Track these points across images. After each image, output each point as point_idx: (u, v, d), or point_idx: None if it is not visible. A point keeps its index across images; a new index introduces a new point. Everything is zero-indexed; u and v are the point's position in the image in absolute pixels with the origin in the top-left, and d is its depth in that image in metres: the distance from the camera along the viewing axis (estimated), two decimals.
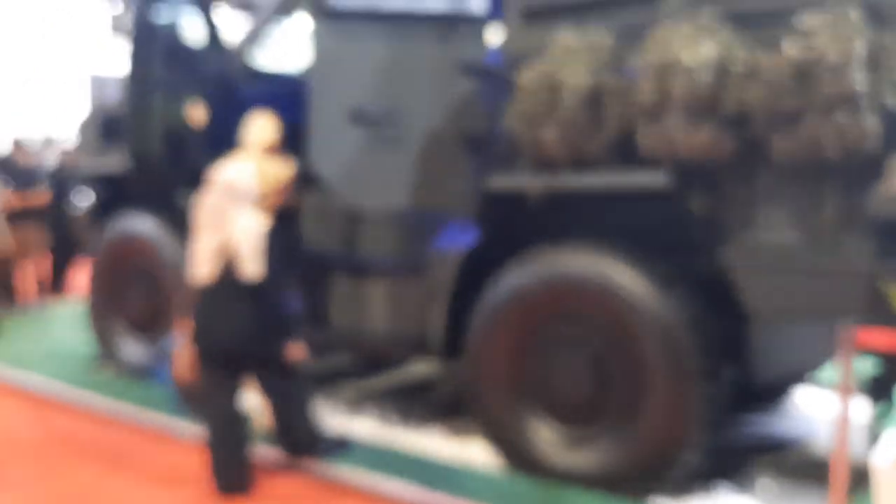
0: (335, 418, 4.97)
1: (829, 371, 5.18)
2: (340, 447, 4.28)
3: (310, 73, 3.94)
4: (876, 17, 3.24)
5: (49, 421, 5.00)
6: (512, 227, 4.17)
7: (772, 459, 4.45)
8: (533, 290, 3.97)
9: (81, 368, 5.96)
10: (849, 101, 3.10)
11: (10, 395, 5.49)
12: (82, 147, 6.15)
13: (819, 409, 5.18)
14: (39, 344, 6.70)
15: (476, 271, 4.23)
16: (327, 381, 5.84)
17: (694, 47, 3.37)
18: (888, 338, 2.88)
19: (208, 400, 4.03)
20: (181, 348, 4.23)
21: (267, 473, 4.10)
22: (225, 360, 3.94)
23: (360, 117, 3.96)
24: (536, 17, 4.08)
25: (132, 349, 5.81)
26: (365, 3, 4.01)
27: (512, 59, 4.09)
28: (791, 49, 3.22)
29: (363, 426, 4.88)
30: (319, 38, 3.91)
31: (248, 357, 3.96)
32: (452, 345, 4.32)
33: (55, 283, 9.05)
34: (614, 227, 3.88)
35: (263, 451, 4.20)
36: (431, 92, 4.17)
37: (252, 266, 3.83)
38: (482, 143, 4.28)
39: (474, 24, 4.23)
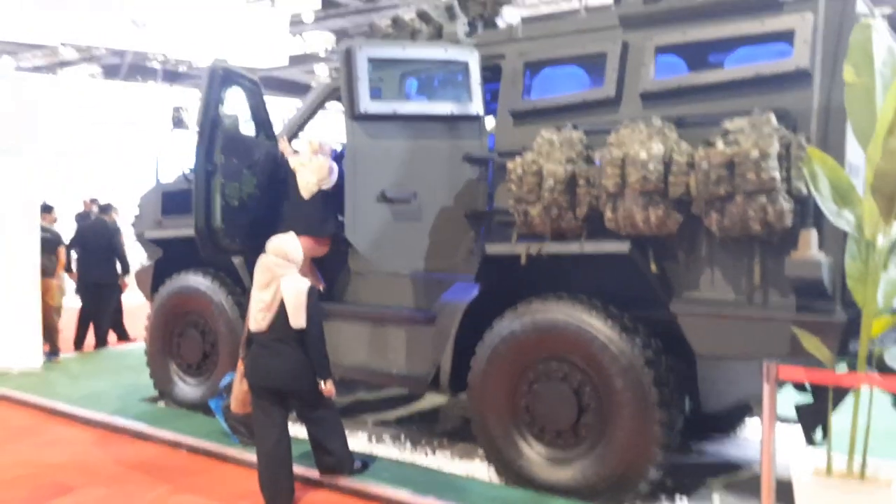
0: (361, 442, 5.41)
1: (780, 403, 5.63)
2: (367, 466, 4.72)
3: (345, 163, 4.52)
4: (788, 120, 3.82)
5: (118, 450, 5.37)
6: (507, 284, 4.68)
7: (727, 478, 4.86)
8: (524, 334, 4.46)
9: (142, 405, 6.37)
10: (767, 187, 3.65)
11: (83, 429, 5.87)
12: (142, 216, 6.70)
13: None
14: (107, 384, 7.06)
15: (478, 320, 4.73)
16: (356, 412, 6.28)
17: (646, 144, 3.95)
18: (803, 372, 3.37)
19: (258, 428, 4.47)
20: (237, 384, 4.70)
21: (307, 488, 4.54)
22: (270, 395, 4.40)
23: (386, 198, 4.52)
24: (524, 117, 4.69)
25: (185, 388, 6.26)
26: (388, 108, 4.61)
27: (505, 150, 4.69)
28: (722, 146, 3.79)
29: (384, 449, 5.31)
30: (352, 135, 4.49)
31: (291, 392, 4.42)
32: (459, 381, 4.80)
33: (116, 334, 9.40)
34: (588, 285, 4.40)
35: (304, 471, 4.63)
36: (442, 177, 4.73)
37: (296, 318, 4.33)
38: (483, 218, 4.84)
39: (475, 123, 4.82)
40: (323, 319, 4.41)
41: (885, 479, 3.23)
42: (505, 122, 4.79)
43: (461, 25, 5.09)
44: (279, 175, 5.51)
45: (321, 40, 18.59)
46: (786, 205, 3.67)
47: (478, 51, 4.92)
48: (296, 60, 19.14)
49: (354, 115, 4.43)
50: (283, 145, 5.65)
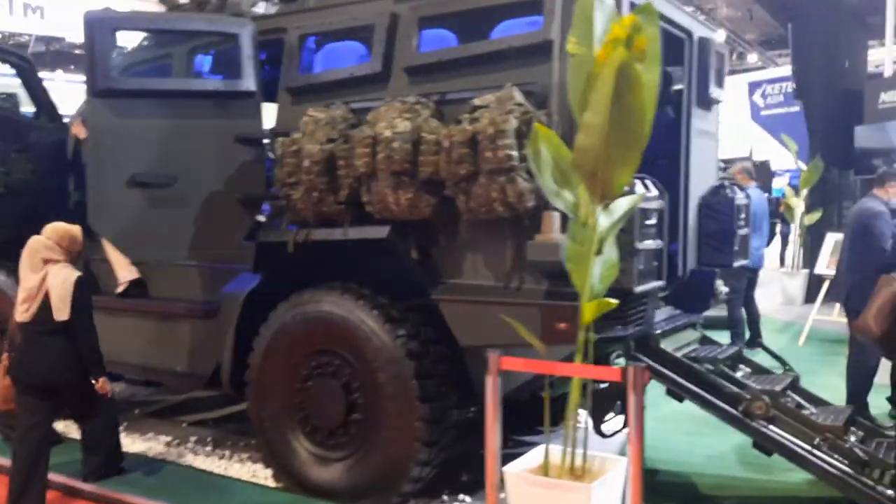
0: (160, 445, 5.14)
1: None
2: (123, 470, 4.47)
3: (86, 144, 4.21)
4: (536, 95, 3.65)
5: None
6: (283, 273, 4.44)
7: None
8: (295, 327, 4.24)
9: None
10: (504, 166, 3.48)
11: None
12: None
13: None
14: None
15: (264, 313, 4.49)
16: (189, 410, 5.97)
17: (394, 122, 3.74)
18: (522, 363, 3.19)
19: (20, 427, 4.15)
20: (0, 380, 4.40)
21: (63, 498, 4.26)
22: (36, 391, 4.10)
23: (137, 183, 4.23)
24: (300, 94, 4.44)
25: None
26: (136, 84, 4.31)
27: (281, 130, 4.44)
28: (465, 123, 3.61)
29: (179, 452, 5.05)
30: (94, 113, 4.19)
31: (56, 388, 4.12)
32: (240, 378, 4.55)
33: None
34: (356, 273, 4.19)
35: (63, 479, 4.35)
36: (210, 159, 4.45)
37: (59, 310, 4.02)
38: (259, 202, 4.59)
39: (249, 100, 4.54)
40: (92, 312, 4.12)
41: (595, 474, 3.09)
42: (284, 99, 4.54)
43: None
44: (65, 159, 5.18)
45: None
46: (525, 184, 3.51)
47: (263, 24, 4.66)
48: None
49: (95, 92, 4.12)
50: (76, 128, 5.32)
